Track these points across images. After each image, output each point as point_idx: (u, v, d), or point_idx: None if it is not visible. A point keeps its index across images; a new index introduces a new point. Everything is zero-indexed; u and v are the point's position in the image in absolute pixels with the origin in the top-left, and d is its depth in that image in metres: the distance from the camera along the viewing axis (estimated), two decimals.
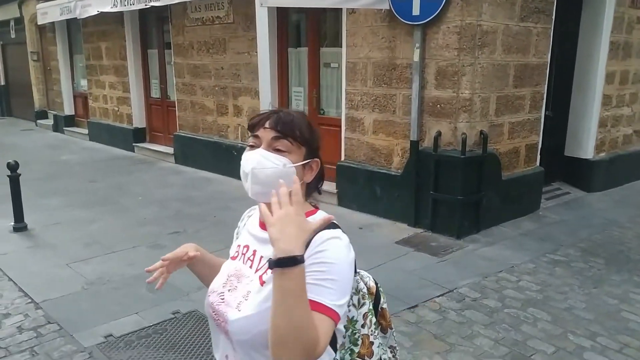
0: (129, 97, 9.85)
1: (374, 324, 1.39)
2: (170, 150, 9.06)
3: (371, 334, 1.37)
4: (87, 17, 9.84)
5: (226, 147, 7.72)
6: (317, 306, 1.10)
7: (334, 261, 1.15)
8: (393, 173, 5.60)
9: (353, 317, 1.33)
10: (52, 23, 11.65)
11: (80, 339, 3.26)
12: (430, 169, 5.17)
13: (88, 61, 10.93)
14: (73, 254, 4.73)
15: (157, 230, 5.39)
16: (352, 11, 5.70)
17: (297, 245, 1.05)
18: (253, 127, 1.30)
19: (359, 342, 1.35)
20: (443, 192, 5.13)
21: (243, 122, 7.48)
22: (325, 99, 6.69)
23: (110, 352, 3.13)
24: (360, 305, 1.35)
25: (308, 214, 1.28)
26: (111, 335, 3.32)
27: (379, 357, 1.38)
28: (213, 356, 1.37)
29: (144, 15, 9.41)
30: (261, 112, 1.32)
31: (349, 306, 1.31)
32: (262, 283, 1.23)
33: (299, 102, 7.00)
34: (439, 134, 5.10)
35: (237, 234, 1.47)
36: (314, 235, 1.14)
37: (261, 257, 1.28)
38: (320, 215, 1.29)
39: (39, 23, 11.87)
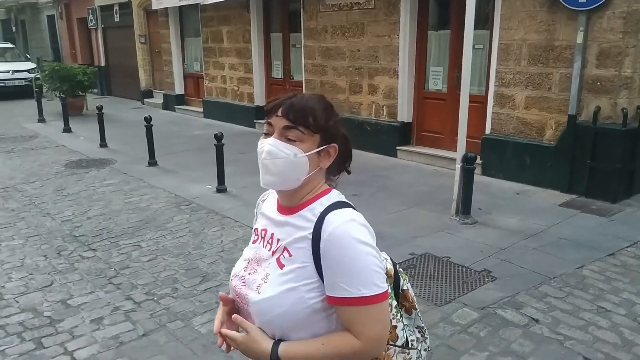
0: (251, 77, 10.68)
1: (395, 307, 1.37)
2: None
3: (393, 318, 1.35)
4: (207, 3, 10.69)
5: (359, 123, 8.44)
6: (350, 301, 1.18)
7: (354, 250, 1.19)
8: (545, 145, 6.22)
9: None
10: (165, 8, 12.56)
11: None
12: (587, 140, 5.76)
13: (206, 44, 11.78)
14: None
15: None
16: None
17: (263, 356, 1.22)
18: (268, 113, 1.28)
19: None
20: (600, 161, 5.72)
21: (378, 99, 8.18)
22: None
23: None
24: None
25: (323, 194, 1.31)
26: None
27: (404, 340, 1.37)
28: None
29: (268, 1, 10.16)
30: (276, 97, 1.30)
31: None
32: (282, 266, 1.26)
33: (437, 80, 7.65)
34: (598, 108, 5.67)
35: (255, 220, 1.49)
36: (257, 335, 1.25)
37: (278, 239, 1.30)
38: (334, 195, 1.32)
39: (153, 7, 12.76)
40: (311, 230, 1.24)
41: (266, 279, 1.27)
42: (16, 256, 4.41)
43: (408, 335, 1.39)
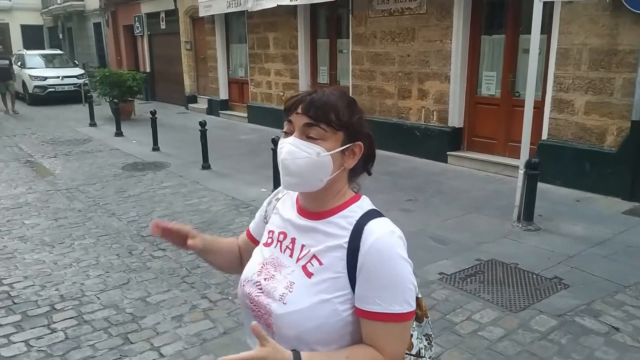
0: (297, 83, 10.79)
1: None
2: None
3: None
4: (255, 10, 10.87)
5: (407, 128, 8.44)
6: (383, 316, 1.13)
7: (393, 265, 1.14)
8: (606, 151, 6.09)
9: None
10: (212, 15, 12.83)
11: (422, 275, 4.07)
12: None
13: (252, 50, 11.98)
14: None
15: (393, 198, 6.17)
16: (568, 1, 6.19)
17: None
18: (287, 111, 1.22)
19: None
20: None
21: (428, 104, 8.16)
22: (520, 83, 7.22)
23: (455, 284, 3.91)
24: None
25: (353, 200, 1.25)
26: (443, 273, 4.11)
27: (417, 349, 1.33)
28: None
29: (315, 7, 10.27)
30: (296, 94, 1.24)
31: None
32: (310, 275, 1.19)
33: (490, 85, 7.58)
34: None
35: (265, 217, 1.42)
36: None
37: (302, 245, 1.23)
38: (366, 202, 1.26)
39: (200, 15, 13.04)
40: (347, 240, 1.17)
41: (291, 287, 1.18)
42: (90, 255, 4.58)
43: (418, 343, 1.35)
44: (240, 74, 13.02)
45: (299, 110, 1.18)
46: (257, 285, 1.24)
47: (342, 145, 1.19)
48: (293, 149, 1.17)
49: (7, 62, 14.83)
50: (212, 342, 3.18)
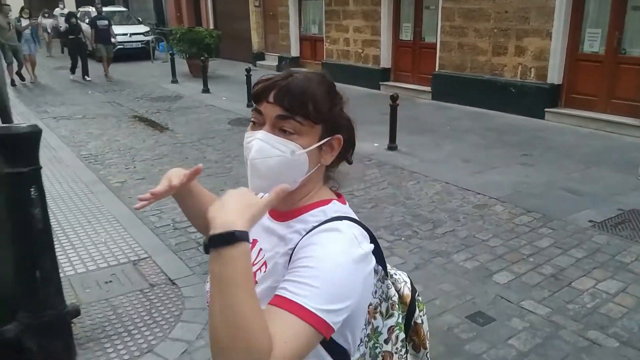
0: (378, 39, 10.92)
1: (401, 340, 1.18)
2: (421, 88, 10.09)
3: (395, 352, 1.16)
4: None
5: (502, 84, 8.56)
6: (287, 304, 0.87)
7: (322, 256, 0.92)
8: None
9: (377, 327, 1.13)
10: None
11: (573, 222, 4.38)
12: None
13: (329, 7, 12.08)
14: (461, 167, 5.89)
15: (506, 153, 6.41)
16: None
17: (239, 219, 0.83)
18: (256, 97, 1.03)
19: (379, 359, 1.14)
20: None
21: (526, 61, 8.25)
22: (629, 40, 7.25)
23: (609, 230, 4.21)
24: (387, 315, 1.14)
25: (317, 205, 1.05)
26: (592, 221, 4.40)
27: None
28: None
29: None
30: (266, 77, 1.04)
31: (375, 313, 1.11)
32: (255, 282, 0.97)
33: (593, 42, 7.62)
34: None
35: None
36: (265, 211, 0.90)
37: (260, 249, 1.07)
38: (334, 208, 1.05)
39: None
40: (293, 247, 0.99)
41: None
42: None
43: None
44: (312, 31, 13.18)
45: (271, 99, 1.00)
46: None
47: (320, 140, 1.02)
48: (263, 146, 0.99)
49: (106, 22, 13.14)
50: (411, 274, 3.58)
